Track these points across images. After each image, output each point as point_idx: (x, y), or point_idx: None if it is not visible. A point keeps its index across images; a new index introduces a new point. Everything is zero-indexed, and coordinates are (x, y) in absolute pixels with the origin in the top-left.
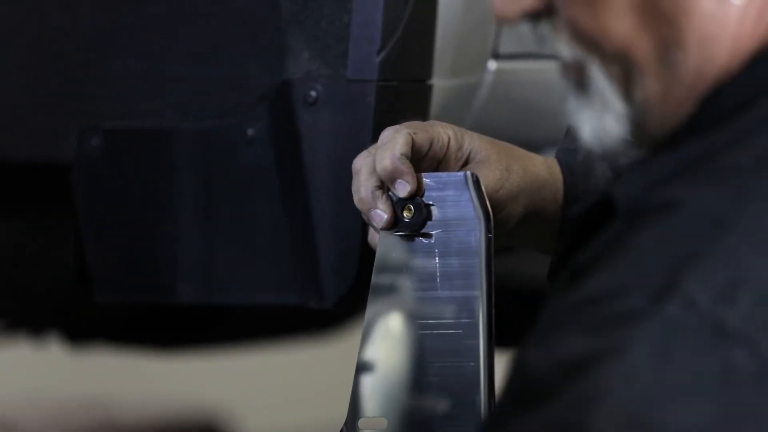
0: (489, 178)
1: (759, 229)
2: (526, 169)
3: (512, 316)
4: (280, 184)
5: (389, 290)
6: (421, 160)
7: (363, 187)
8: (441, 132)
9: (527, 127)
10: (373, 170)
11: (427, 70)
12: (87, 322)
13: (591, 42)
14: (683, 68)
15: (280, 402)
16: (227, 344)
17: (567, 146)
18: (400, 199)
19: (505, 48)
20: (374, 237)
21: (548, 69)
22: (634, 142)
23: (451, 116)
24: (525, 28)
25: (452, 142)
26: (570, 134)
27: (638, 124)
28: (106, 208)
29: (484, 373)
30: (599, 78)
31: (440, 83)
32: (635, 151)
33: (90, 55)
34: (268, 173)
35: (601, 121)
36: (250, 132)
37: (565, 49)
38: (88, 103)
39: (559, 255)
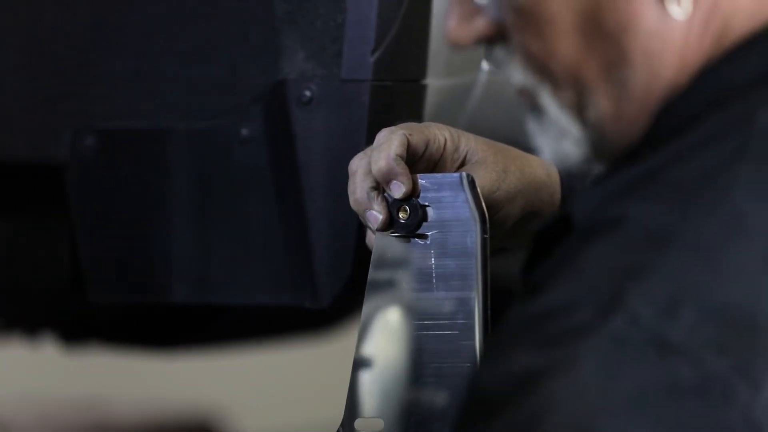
0: (486, 179)
1: (702, 244)
2: (523, 170)
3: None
4: (275, 184)
5: (385, 291)
6: (417, 161)
7: (359, 188)
8: (437, 133)
9: (521, 127)
10: (369, 171)
11: (421, 69)
12: (82, 322)
13: (541, 66)
14: (631, 85)
15: (276, 402)
16: (222, 344)
17: None
18: (395, 200)
19: None
20: (372, 238)
21: None
22: (594, 159)
23: (445, 116)
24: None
25: (448, 143)
26: None
27: (595, 143)
28: (100, 208)
29: None
30: (551, 106)
31: (435, 83)
32: (597, 167)
33: (85, 55)
34: (262, 173)
35: (559, 145)
36: (244, 132)
37: (518, 74)
38: (83, 103)
39: (522, 270)
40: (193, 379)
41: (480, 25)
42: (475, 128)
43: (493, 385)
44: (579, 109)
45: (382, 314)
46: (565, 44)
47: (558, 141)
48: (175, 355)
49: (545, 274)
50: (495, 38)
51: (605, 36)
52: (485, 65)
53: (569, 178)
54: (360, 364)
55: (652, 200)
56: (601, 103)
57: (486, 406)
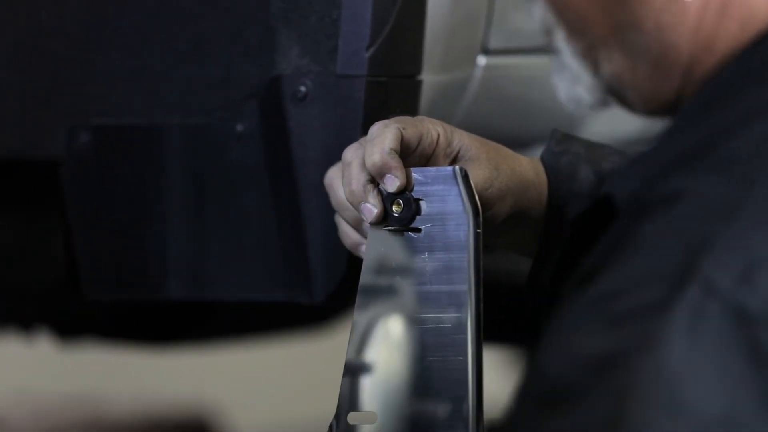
0: (479, 176)
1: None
2: (513, 169)
3: (501, 311)
4: (270, 180)
5: (378, 285)
6: (410, 155)
7: (354, 180)
8: (430, 128)
9: (517, 123)
10: (364, 164)
11: (416, 65)
12: (77, 319)
13: (558, 11)
14: (644, 50)
15: (270, 398)
16: (217, 340)
17: (552, 149)
18: (389, 193)
19: (494, 43)
20: (348, 236)
21: (538, 64)
22: (632, 111)
23: (440, 112)
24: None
25: (441, 138)
26: (555, 136)
27: (616, 94)
28: (95, 205)
29: (472, 368)
30: (565, 51)
31: (430, 79)
32: (638, 114)
33: (80, 51)
34: (257, 169)
35: (572, 88)
36: (239, 128)
37: (538, 12)
38: (78, 99)
39: (559, 262)
40: (188, 376)
41: None
42: (470, 124)
43: (565, 374)
44: (592, 60)
45: (374, 308)
46: None
47: (572, 84)
48: (170, 352)
49: (598, 260)
50: None
51: (619, 1)
52: (480, 61)
53: (557, 180)
54: (353, 358)
55: (709, 174)
56: (615, 59)
57: (558, 398)
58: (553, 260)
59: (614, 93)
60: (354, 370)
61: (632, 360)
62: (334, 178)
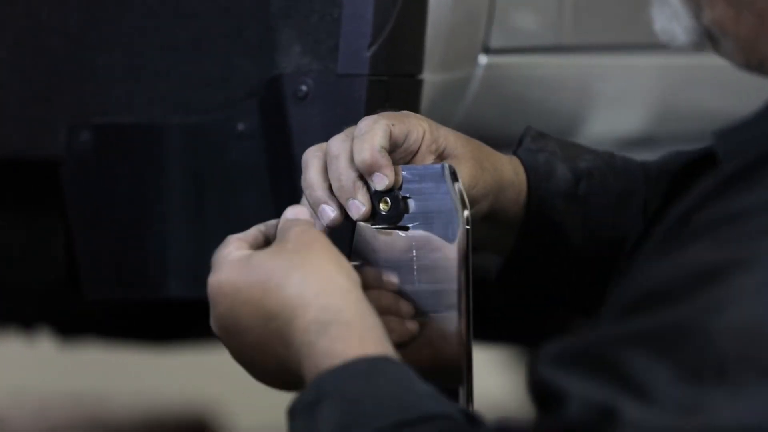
0: (465, 174)
1: None
2: (496, 167)
3: (490, 307)
4: (271, 179)
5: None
6: (396, 151)
7: (344, 175)
8: (416, 124)
9: (518, 123)
10: (352, 159)
11: (417, 64)
12: (77, 318)
13: None
14: (751, 0)
15: (270, 397)
16: (217, 340)
17: (528, 146)
18: (376, 191)
19: (495, 42)
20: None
21: (539, 64)
22: (730, 61)
23: (441, 111)
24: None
25: (427, 134)
26: (530, 134)
27: (715, 41)
28: (95, 204)
29: (463, 366)
30: None
31: (431, 78)
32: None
33: (80, 50)
34: (258, 168)
35: (669, 24)
36: (240, 127)
37: None
38: (78, 98)
39: (654, 210)
40: (189, 375)
41: None
42: (470, 123)
43: (673, 278)
44: (695, 2)
45: None
46: None
47: (669, 20)
48: (170, 351)
49: (709, 193)
50: None
51: None
52: (481, 60)
53: (536, 179)
54: None
55: None
56: (718, 6)
57: (656, 297)
58: (528, 258)
59: (712, 39)
60: None
61: (734, 278)
62: (311, 158)
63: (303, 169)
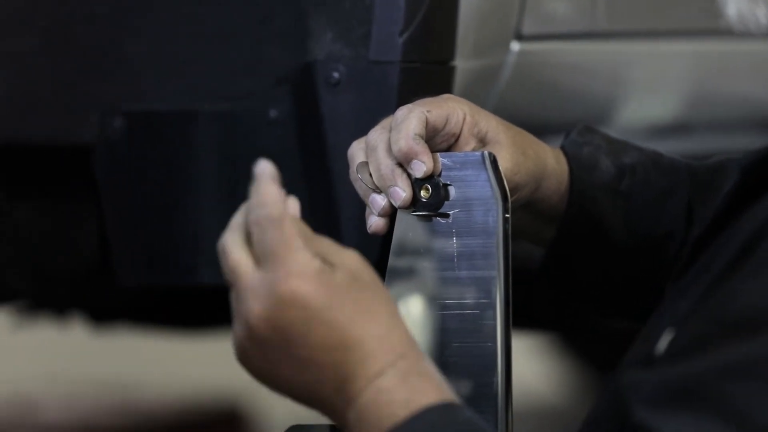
0: (507, 161)
1: None
2: (538, 155)
3: (530, 296)
4: (303, 166)
5: (407, 270)
6: (437, 135)
7: (383, 164)
8: (456, 107)
9: (550, 110)
10: (390, 148)
11: (449, 51)
12: (109, 304)
13: None
14: None
15: None
16: None
17: (575, 139)
18: (417, 179)
19: (528, 29)
20: (373, 221)
21: (572, 50)
22: None
23: (473, 98)
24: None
25: (468, 117)
26: (578, 128)
27: None
28: (127, 190)
29: (501, 354)
30: None
31: (463, 64)
32: None
33: (111, 37)
34: (290, 155)
35: (747, 6)
36: (272, 114)
37: None
38: (110, 85)
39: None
40: (220, 362)
41: None
42: (503, 110)
43: (759, 303)
44: None
45: (403, 294)
46: None
47: (747, 2)
48: (202, 338)
49: None
50: None
51: None
52: (514, 46)
53: (579, 170)
54: None
55: None
56: None
57: (751, 324)
58: (568, 250)
59: None
60: None
61: None
62: (356, 151)
63: (350, 163)
